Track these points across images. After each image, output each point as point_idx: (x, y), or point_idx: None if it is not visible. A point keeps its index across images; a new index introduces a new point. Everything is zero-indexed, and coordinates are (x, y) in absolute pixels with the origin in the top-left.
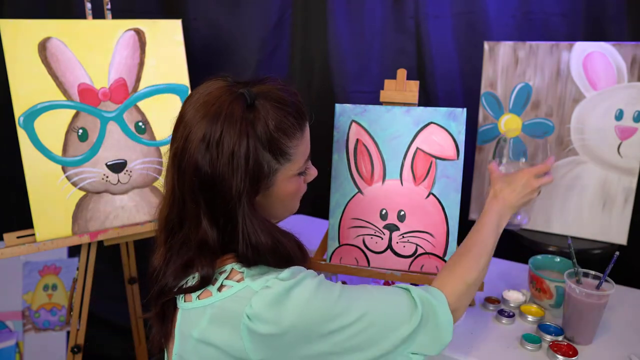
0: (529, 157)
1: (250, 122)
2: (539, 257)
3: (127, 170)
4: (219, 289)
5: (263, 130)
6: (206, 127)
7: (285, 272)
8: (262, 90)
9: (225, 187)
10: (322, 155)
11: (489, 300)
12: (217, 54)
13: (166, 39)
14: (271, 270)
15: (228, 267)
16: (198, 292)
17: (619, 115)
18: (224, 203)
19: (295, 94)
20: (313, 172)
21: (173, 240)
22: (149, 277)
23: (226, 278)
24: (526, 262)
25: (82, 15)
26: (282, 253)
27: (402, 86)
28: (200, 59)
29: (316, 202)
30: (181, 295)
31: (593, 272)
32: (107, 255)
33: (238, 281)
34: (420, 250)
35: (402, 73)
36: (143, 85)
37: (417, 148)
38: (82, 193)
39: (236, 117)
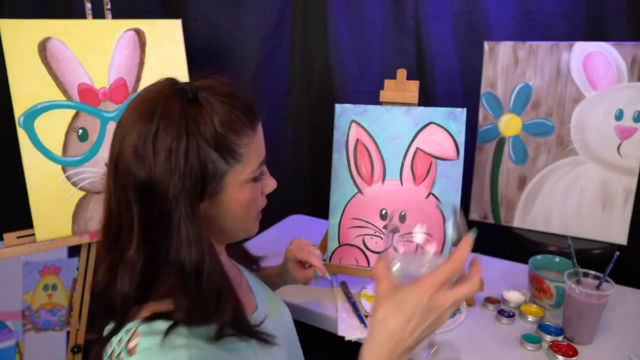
0: (530, 158)
1: (191, 117)
2: (539, 257)
3: None
4: (131, 352)
5: (207, 126)
6: (140, 126)
7: None
8: (206, 84)
9: (161, 191)
10: (322, 155)
11: (489, 300)
12: (217, 54)
13: (166, 39)
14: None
15: (132, 326)
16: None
17: (619, 115)
18: (159, 211)
19: (244, 89)
20: (270, 183)
21: (113, 258)
22: (95, 295)
23: (127, 341)
24: (526, 262)
25: (82, 15)
26: (205, 281)
27: (402, 86)
28: (200, 59)
29: (316, 202)
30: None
31: (593, 272)
32: None
33: (129, 354)
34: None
35: (402, 73)
36: (143, 85)
37: (417, 148)
38: (82, 193)
39: (174, 113)
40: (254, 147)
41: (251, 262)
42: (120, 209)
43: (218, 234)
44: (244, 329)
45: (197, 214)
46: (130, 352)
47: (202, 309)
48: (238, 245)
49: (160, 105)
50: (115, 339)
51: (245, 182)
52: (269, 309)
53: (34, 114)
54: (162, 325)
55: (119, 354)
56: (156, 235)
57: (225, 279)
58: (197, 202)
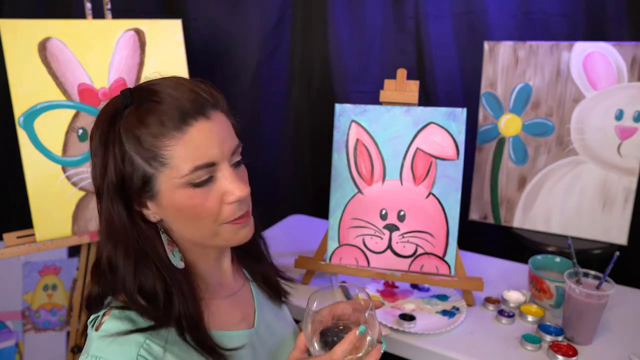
0: (530, 158)
1: (118, 123)
2: (539, 257)
3: None
4: (96, 328)
5: (129, 132)
6: (90, 131)
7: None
8: (146, 85)
9: (100, 189)
10: (322, 155)
11: (489, 300)
12: (217, 54)
13: (166, 39)
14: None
15: (111, 303)
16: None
17: (619, 115)
18: (104, 208)
19: (191, 89)
20: (235, 191)
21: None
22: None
23: (103, 314)
24: (526, 262)
25: (82, 15)
26: (141, 276)
27: (402, 86)
28: (200, 59)
29: (316, 202)
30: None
31: (593, 272)
32: None
33: (97, 327)
34: (420, 250)
35: (402, 73)
36: None
37: (417, 148)
38: (82, 193)
39: (105, 119)
40: (181, 150)
41: (283, 293)
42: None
43: (186, 240)
44: (200, 340)
45: (132, 213)
46: (96, 328)
47: (146, 305)
48: (272, 272)
49: (101, 112)
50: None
51: (180, 187)
52: (271, 333)
53: (34, 114)
54: (133, 315)
55: (92, 321)
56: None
57: (175, 282)
58: (129, 202)
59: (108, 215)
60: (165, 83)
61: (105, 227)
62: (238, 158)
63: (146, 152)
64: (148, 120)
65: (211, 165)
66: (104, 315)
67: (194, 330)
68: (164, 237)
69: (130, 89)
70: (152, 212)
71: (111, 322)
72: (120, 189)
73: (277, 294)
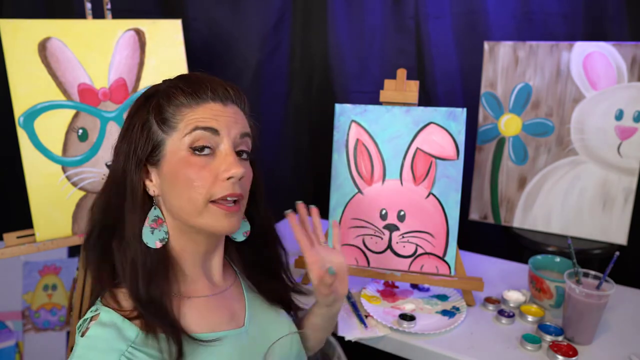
0: (530, 158)
1: (149, 96)
2: (539, 257)
3: None
4: (82, 333)
5: (154, 101)
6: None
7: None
8: (187, 74)
9: (119, 152)
10: (322, 155)
11: (489, 300)
12: (217, 54)
13: (166, 39)
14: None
15: (98, 307)
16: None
17: (619, 115)
18: (118, 171)
19: (221, 83)
20: (231, 168)
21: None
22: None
23: (90, 319)
24: (526, 262)
25: (82, 15)
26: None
27: (402, 86)
28: (200, 59)
29: (316, 202)
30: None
31: (593, 272)
32: None
33: (83, 332)
34: (420, 250)
35: (402, 73)
36: (143, 85)
37: (417, 148)
38: (82, 193)
39: (143, 96)
40: (191, 116)
41: (294, 309)
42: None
43: (175, 216)
44: (174, 330)
45: (140, 175)
46: (82, 333)
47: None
48: (286, 290)
49: (143, 92)
50: (89, 313)
51: (181, 151)
52: (264, 334)
53: (34, 114)
54: (119, 321)
55: (80, 326)
56: (115, 193)
57: (137, 257)
58: (141, 164)
59: (117, 172)
60: (202, 74)
61: (108, 184)
62: (244, 148)
63: (163, 119)
64: (175, 94)
65: (212, 132)
66: (90, 320)
67: (155, 316)
68: (153, 212)
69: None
70: (153, 184)
71: (96, 328)
72: (134, 152)
73: (287, 308)
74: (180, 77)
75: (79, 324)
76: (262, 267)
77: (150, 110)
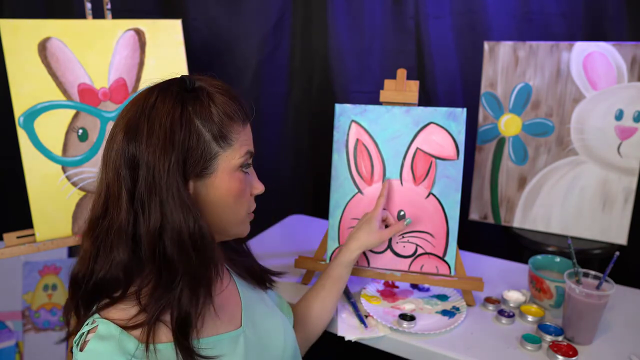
0: (530, 158)
1: (189, 98)
2: (539, 257)
3: None
4: (81, 347)
5: (204, 109)
6: (139, 102)
7: None
8: (202, 79)
9: (149, 160)
10: (322, 155)
11: (489, 300)
12: (217, 54)
13: (166, 39)
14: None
15: (96, 319)
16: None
17: (619, 115)
18: (147, 179)
19: (238, 93)
20: (258, 186)
21: (100, 231)
22: (72, 284)
23: (87, 332)
24: (526, 262)
25: (82, 15)
26: (201, 247)
27: (402, 86)
28: (200, 59)
29: (316, 202)
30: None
31: (593, 272)
32: None
33: (81, 347)
34: (420, 250)
35: (402, 73)
36: (143, 85)
37: (417, 148)
38: (82, 193)
39: (173, 91)
40: (244, 137)
41: (268, 280)
42: (111, 179)
43: (211, 223)
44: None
45: (185, 187)
46: (81, 348)
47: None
48: (255, 263)
49: (160, 86)
50: (84, 327)
51: (235, 170)
52: (260, 332)
53: (34, 114)
54: (117, 333)
55: (77, 341)
56: (143, 204)
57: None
58: (184, 176)
59: (173, 188)
60: (231, 88)
61: (170, 203)
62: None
63: (216, 130)
64: (220, 100)
65: (252, 155)
66: (88, 332)
67: (182, 337)
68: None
69: (193, 78)
70: (193, 188)
71: (95, 342)
72: (183, 163)
73: (260, 282)
74: (224, 89)
75: (76, 338)
76: (232, 248)
77: (201, 119)
